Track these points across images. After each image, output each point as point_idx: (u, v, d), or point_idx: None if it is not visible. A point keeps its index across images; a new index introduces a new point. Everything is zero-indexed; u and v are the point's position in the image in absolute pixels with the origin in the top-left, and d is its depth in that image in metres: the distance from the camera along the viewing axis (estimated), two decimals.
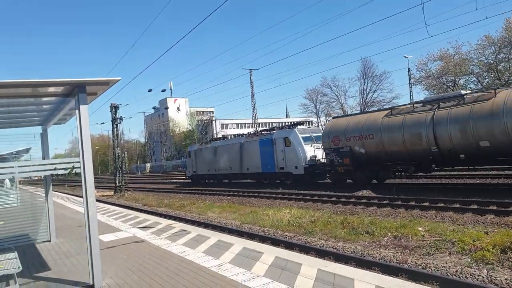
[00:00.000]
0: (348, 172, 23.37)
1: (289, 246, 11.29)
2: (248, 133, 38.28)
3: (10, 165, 6.71)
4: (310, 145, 27.66)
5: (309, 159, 27.07)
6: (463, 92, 19.40)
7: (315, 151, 27.39)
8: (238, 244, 8.37)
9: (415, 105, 20.73)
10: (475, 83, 45.57)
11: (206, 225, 16.04)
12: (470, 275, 7.84)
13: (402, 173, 21.83)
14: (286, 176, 28.97)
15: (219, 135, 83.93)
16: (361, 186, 21.63)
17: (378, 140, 21.14)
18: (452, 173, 24.73)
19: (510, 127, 15.84)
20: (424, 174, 22.53)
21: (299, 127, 29.93)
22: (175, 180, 50.66)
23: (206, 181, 40.02)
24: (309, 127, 34.56)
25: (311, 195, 22.13)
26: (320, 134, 27.32)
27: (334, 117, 31.26)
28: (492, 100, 16.84)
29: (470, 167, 20.78)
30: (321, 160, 26.55)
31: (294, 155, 27.77)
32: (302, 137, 27.83)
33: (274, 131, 31.44)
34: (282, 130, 30.82)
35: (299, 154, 27.38)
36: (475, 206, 14.57)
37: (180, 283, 6.00)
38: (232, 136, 44.06)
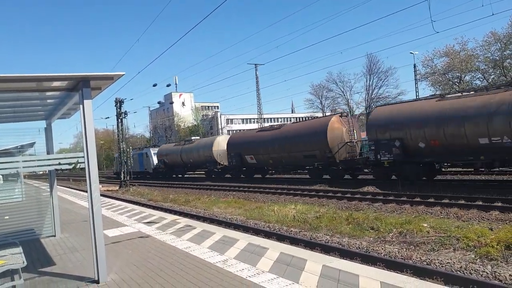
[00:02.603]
0: (165, 171, 50.69)
1: (294, 241, 11.28)
2: (137, 147, 66.80)
3: (15, 160, 6.71)
4: (156, 156, 52.42)
5: (155, 164, 52.66)
6: (193, 138, 49.33)
7: (157, 160, 52.00)
8: (243, 239, 8.35)
9: (180, 142, 51.06)
10: (481, 79, 45.17)
11: (211, 221, 16.03)
12: (475, 271, 7.83)
13: (187, 172, 49.93)
14: (147, 173, 55.32)
15: (224, 131, 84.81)
16: (171, 177, 48.96)
17: (172, 156, 48.12)
18: (457, 169, 24.70)
19: (197, 155, 42.17)
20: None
21: (152, 148, 57.88)
22: (180, 175, 50.85)
23: None
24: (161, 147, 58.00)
25: (316, 190, 22.10)
26: None
27: (163, 144, 63.55)
28: (194, 143, 43.68)
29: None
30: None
31: (149, 162, 54.42)
32: (153, 153, 53.71)
33: (145, 148, 60.90)
34: (146, 148, 60.22)
35: (151, 161, 53.66)
36: (480, 203, 14.54)
37: (185, 279, 5.99)
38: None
